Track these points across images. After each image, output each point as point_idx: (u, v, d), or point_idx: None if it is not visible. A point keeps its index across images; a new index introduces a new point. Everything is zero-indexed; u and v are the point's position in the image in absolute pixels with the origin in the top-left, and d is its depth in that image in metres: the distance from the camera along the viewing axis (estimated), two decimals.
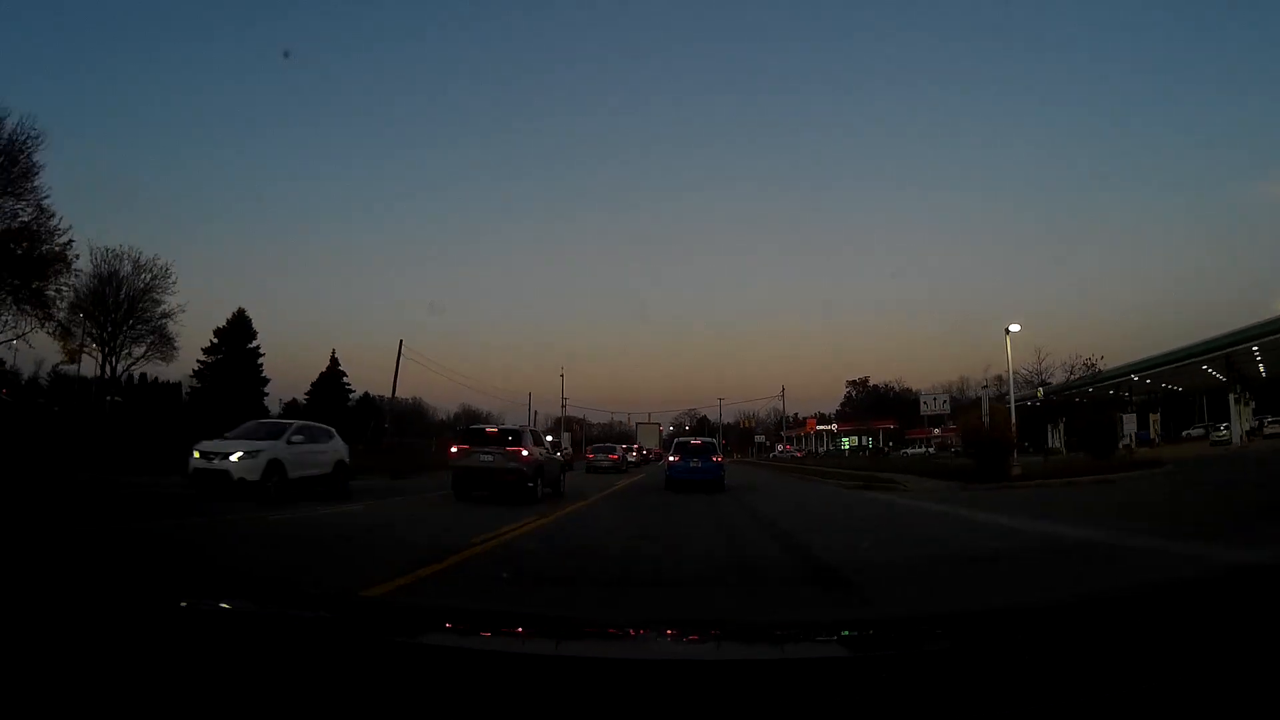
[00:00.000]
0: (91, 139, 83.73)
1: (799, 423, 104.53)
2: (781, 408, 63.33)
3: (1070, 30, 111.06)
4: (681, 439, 21.13)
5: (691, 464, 17.93)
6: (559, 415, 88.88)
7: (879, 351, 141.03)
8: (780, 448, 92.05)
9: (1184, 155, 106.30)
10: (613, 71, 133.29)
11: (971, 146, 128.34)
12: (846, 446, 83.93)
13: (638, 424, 66.75)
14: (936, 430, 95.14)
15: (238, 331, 45.28)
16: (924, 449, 77.74)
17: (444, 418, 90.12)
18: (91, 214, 78.27)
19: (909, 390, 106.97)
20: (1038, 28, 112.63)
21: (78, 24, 78.98)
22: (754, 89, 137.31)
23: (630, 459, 38.60)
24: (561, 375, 71.46)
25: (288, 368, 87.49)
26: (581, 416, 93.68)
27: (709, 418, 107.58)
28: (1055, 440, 47.56)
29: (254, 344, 45.77)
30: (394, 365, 36.76)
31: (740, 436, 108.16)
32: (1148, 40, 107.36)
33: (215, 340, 45.10)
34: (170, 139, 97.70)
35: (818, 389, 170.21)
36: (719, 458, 19.10)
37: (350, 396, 53.07)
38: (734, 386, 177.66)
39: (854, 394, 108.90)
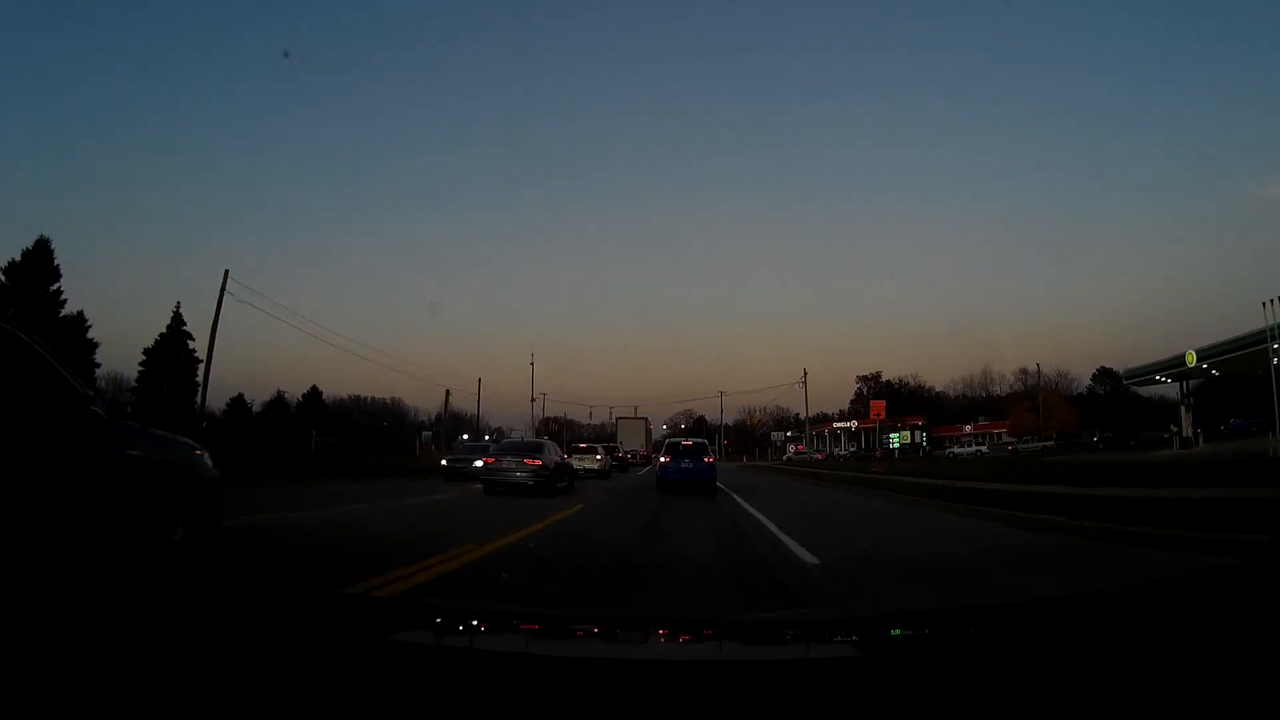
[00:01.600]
0: None
1: (819, 418, 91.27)
2: (804, 396, 49.30)
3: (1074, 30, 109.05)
4: (673, 440, 20.68)
5: (683, 464, 16.96)
6: (551, 415, 75.87)
7: (886, 348, 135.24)
8: (793, 449, 78.75)
9: (1180, 156, 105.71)
10: (621, 74, 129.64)
11: (969, 146, 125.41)
12: (897, 444, 68.59)
13: (619, 419, 52.11)
14: (968, 428, 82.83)
15: (35, 269, 31.04)
16: (974, 448, 63.51)
17: (424, 419, 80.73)
18: None
19: (923, 386, 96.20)
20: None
21: None
22: (761, 93, 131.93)
23: (591, 466, 24.26)
24: (531, 363, 56.78)
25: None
26: (562, 414, 79.72)
27: (706, 418, 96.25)
28: None
29: (55, 286, 31.49)
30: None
31: (740, 436, 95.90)
32: (1147, 41, 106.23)
33: (3, 279, 30.85)
34: None
35: (824, 386, 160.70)
36: (711, 458, 17.81)
37: (199, 367, 38.67)
38: (734, 387, 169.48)
39: (865, 390, 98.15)
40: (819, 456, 64.69)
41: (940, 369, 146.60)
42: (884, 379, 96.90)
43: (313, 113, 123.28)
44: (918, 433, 74.48)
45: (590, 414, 71.58)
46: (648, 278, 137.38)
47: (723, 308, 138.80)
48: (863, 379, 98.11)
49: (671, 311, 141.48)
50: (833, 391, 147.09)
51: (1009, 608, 1.67)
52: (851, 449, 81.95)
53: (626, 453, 45.29)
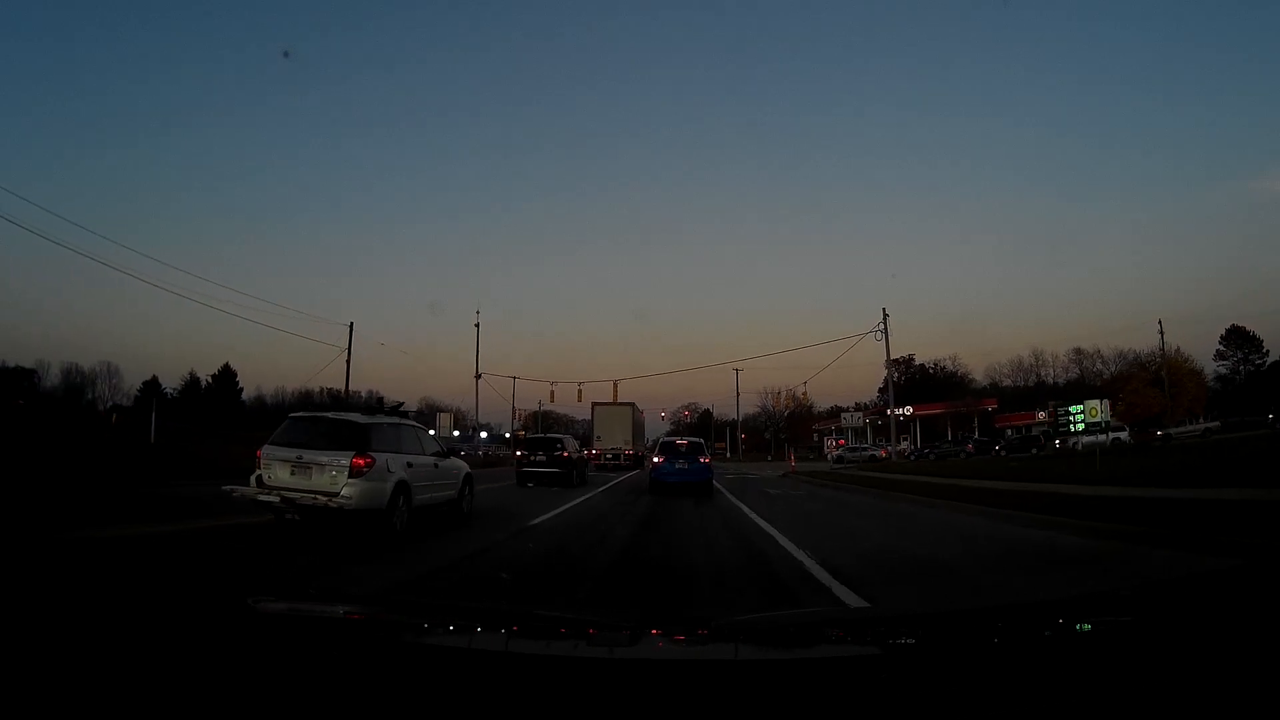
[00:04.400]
0: None
1: (833, 413, 74.53)
2: (885, 345, 32.34)
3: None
4: (667, 439, 19.97)
5: (677, 465, 16.58)
6: (535, 410, 59.31)
7: (905, 339, 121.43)
8: (832, 444, 61.23)
9: (1177, 155, 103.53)
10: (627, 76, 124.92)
11: (970, 145, 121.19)
12: (1082, 424, 49.16)
13: (594, 404, 35.68)
14: (1042, 414, 66.33)
15: None
16: (1106, 436, 45.65)
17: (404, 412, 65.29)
18: None
19: (958, 371, 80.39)
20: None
21: None
22: (765, 94, 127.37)
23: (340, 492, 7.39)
24: (476, 325, 39.54)
25: None
26: (542, 407, 62.36)
27: (713, 410, 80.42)
28: None
29: None
30: None
31: (754, 431, 79.51)
32: (1147, 41, 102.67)
33: None
34: None
35: (838, 382, 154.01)
36: (707, 459, 17.37)
37: None
38: (745, 385, 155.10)
39: (897, 377, 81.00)
40: (881, 454, 47.46)
41: (996, 351, 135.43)
42: (917, 362, 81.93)
43: (308, 112, 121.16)
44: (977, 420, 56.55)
45: (551, 395, 54.05)
46: (651, 275, 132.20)
47: (731, 303, 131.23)
48: (893, 363, 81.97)
49: (675, 309, 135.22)
50: (847, 386, 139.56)
51: (1011, 609, 1.63)
52: (904, 441, 64.62)
53: (611, 452, 28.24)
